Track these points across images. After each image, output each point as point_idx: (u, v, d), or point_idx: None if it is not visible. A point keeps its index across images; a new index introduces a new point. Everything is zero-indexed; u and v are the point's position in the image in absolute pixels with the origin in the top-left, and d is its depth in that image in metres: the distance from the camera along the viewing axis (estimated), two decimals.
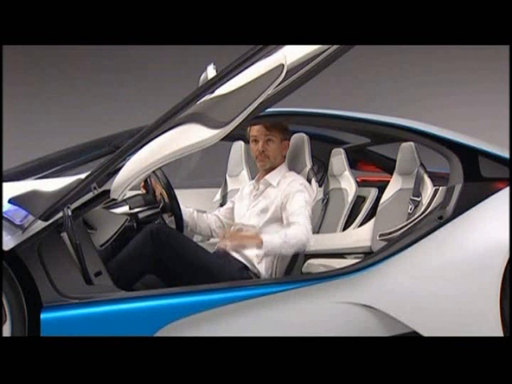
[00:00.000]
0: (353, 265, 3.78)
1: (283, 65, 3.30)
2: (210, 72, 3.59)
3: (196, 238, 4.59)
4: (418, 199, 4.26)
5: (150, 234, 3.83)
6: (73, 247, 3.59)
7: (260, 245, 3.79)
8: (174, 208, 4.19)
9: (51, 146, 4.93)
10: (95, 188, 3.48)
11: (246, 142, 4.62)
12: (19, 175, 3.90)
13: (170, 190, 4.19)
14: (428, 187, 4.21)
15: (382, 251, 3.78)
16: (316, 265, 4.29)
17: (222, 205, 4.90)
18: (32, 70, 8.43)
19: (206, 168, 5.88)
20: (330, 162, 5.00)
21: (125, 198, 3.98)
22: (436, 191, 4.02)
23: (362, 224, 4.75)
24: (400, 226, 4.00)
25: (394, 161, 4.61)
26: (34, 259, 3.50)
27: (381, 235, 4.10)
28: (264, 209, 4.08)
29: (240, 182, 4.99)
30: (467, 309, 3.68)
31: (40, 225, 3.49)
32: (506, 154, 3.95)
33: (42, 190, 3.51)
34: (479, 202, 3.80)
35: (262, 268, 3.98)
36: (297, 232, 3.83)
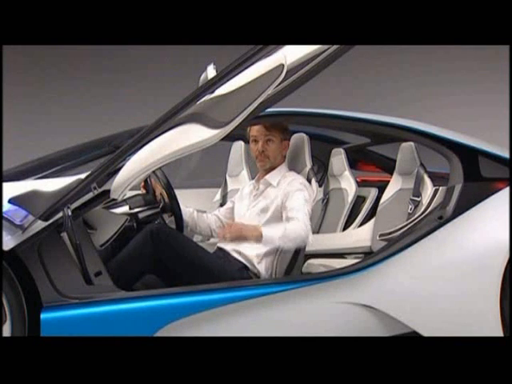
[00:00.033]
0: (353, 265, 3.78)
1: (283, 65, 3.30)
2: (210, 72, 3.59)
3: (196, 238, 4.59)
4: (418, 199, 4.26)
5: (150, 233, 3.83)
6: (73, 247, 3.59)
7: (259, 237, 3.79)
8: (174, 208, 4.19)
9: (51, 146, 4.93)
10: (95, 188, 3.48)
11: (246, 142, 4.62)
12: (19, 175, 3.90)
13: (170, 189, 4.19)
14: (428, 187, 4.21)
15: (381, 251, 3.78)
16: (316, 265, 4.29)
17: (221, 205, 4.90)
18: (32, 70, 8.44)
19: (206, 168, 5.88)
20: (330, 162, 5.00)
21: (125, 198, 3.98)
22: (436, 191, 4.02)
23: (362, 224, 4.75)
24: (400, 225, 4.00)
25: (394, 161, 4.62)
26: (34, 259, 3.50)
27: (381, 235, 4.10)
28: (264, 208, 4.08)
29: (240, 181, 5.00)
30: (467, 309, 3.68)
31: (40, 225, 3.49)
32: (506, 154, 3.95)
33: (42, 190, 3.51)
34: (479, 202, 3.80)
35: (261, 268, 3.98)
36: (296, 227, 3.83)
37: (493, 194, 3.82)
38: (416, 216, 4.00)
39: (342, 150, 4.95)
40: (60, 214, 3.46)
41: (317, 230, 5.00)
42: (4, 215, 3.45)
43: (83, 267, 3.57)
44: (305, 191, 4.01)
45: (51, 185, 3.56)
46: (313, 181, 4.14)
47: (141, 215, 4.14)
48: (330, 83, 7.12)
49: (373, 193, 4.86)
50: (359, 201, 4.87)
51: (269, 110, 3.67)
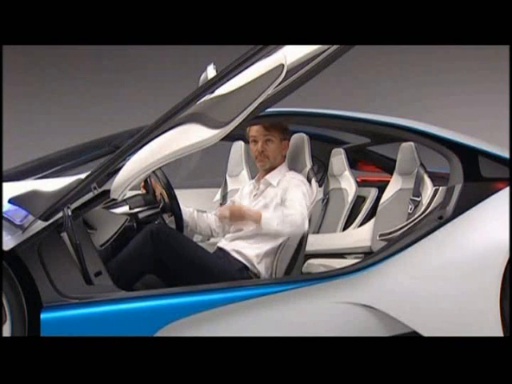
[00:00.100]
0: (353, 265, 3.78)
1: (283, 65, 3.30)
2: (210, 72, 3.59)
3: (196, 238, 4.59)
4: (418, 199, 4.26)
5: (150, 233, 3.83)
6: (73, 247, 3.59)
7: (258, 219, 3.81)
8: (173, 208, 4.19)
9: (51, 146, 4.93)
10: (95, 188, 3.48)
11: (246, 142, 4.62)
12: (19, 175, 3.90)
13: (170, 189, 4.19)
14: (428, 187, 4.21)
15: (381, 251, 3.78)
16: (316, 265, 4.29)
17: (222, 205, 4.90)
18: (32, 69, 8.44)
19: (206, 168, 5.89)
20: (330, 162, 5.01)
21: (125, 198, 3.98)
22: (436, 191, 4.02)
23: (361, 224, 4.76)
24: (400, 226, 4.00)
25: (394, 161, 4.62)
26: (34, 259, 3.50)
27: (381, 235, 4.10)
28: (264, 206, 4.07)
29: (240, 181, 5.00)
30: (467, 309, 3.68)
31: (40, 225, 3.49)
32: (506, 154, 3.95)
33: (42, 190, 3.51)
34: (479, 202, 3.79)
35: (261, 268, 3.98)
36: (292, 213, 3.86)
37: (493, 194, 3.82)
38: (416, 216, 4.00)
39: (342, 150, 4.95)
40: (60, 214, 3.45)
41: (317, 229, 5.00)
42: (4, 215, 3.45)
43: (83, 267, 3.56)
44: (303, 186, 4.02)
45: (51, 185, 3.55)
46: (313, 181, 4.14)
47: (141, 215, 4.14)
48: (329, 83, 7.13)
49: (373, 193, 4.86)
50: (359, 201, 4.87)
51: (269, 109, 3.67)
